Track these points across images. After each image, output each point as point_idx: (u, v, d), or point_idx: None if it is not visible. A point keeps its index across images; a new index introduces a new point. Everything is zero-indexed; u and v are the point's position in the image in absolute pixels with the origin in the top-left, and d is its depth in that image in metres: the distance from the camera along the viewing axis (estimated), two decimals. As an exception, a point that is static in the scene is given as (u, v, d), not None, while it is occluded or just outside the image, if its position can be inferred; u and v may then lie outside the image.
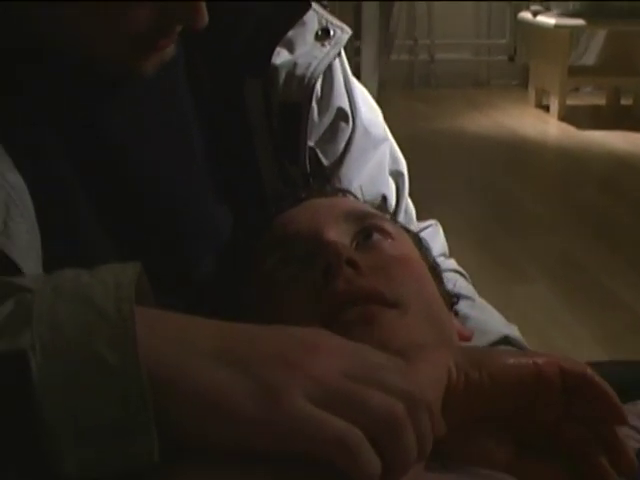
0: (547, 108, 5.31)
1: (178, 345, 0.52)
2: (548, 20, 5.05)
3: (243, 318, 0.59)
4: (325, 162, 0.93)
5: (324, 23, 0.91)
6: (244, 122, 0.89)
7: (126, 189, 0.80)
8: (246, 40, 0.88)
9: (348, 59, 0.97)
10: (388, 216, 0.91)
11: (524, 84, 5.88)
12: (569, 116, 5.08)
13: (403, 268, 0.77)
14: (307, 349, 0.54)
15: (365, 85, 1.02)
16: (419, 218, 1.07)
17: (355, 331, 0.68)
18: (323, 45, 0.90)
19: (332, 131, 0.93)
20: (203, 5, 0.71)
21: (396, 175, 1.02)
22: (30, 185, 0.71)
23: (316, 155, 0.92)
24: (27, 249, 0.68)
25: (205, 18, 0.72)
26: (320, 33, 0.91)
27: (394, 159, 1.02)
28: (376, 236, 0.79)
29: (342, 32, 0.92)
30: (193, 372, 0.51)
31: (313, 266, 0.74)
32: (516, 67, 6.28)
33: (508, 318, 0.95)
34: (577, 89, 5.78)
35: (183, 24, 0.73)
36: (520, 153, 4.51)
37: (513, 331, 0.92)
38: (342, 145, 0.94)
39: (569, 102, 5.18)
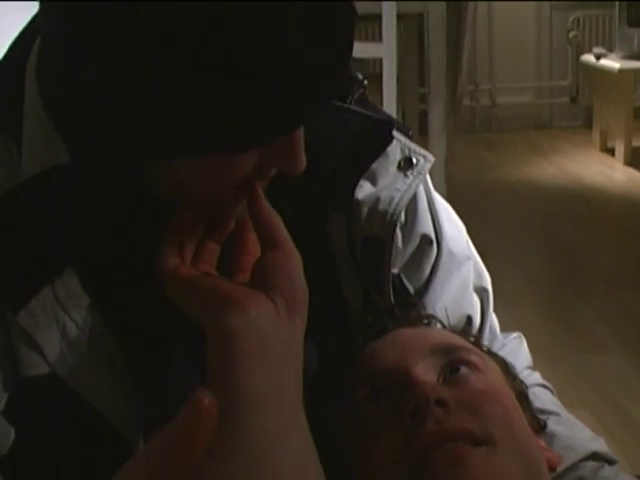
0: (612, 151, 5.23)
1: None
2: (612, 64, 4.99)
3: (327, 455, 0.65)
4: (410, 288, 0.92)
5: (407, 152, 0.90)
6: (328, 255, 0.89)
7: None
8: (329, 174, 0.88)
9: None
10: (473, 339, 0.91)
11: (587, 125, 5.81)
12: (635, 160, 5.00)
13: (491, 402, 0.77)
14: None
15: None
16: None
17: (444, 473, 0.70)
18: (406, 175, 0.89)
19: (417, 257, 0.93)
20: (302, 152, 0.71)
21: (480, 291, 1.01)
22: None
23: (401, 282, 0.92)
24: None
25: (303, 163, 0.72)
26: (403, 163, 0.89)
27: (478, 274, 1.01)
28: (463, 369, 0.80)
29: (425, 160, 0.90)
30: None
31: (401, 405, 0.75)
32: (579, 108, 6.21)
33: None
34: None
35: (282, 169, 0.73)
36: (586, 203, 4.44)
37: (600, 445, 0.91)
38: (427, 270, 0.93)
39: (634, 144, 5.09)
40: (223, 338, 0.66)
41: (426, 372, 0.78)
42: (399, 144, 0.90)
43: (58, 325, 0.73)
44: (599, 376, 2.42)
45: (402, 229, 0.91)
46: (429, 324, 0.90)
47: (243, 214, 0.76)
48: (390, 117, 0.95)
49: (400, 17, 2.49)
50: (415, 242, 0.92)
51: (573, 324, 2.88)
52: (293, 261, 0.72)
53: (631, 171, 4.91)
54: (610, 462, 0.90)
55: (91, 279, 0.75)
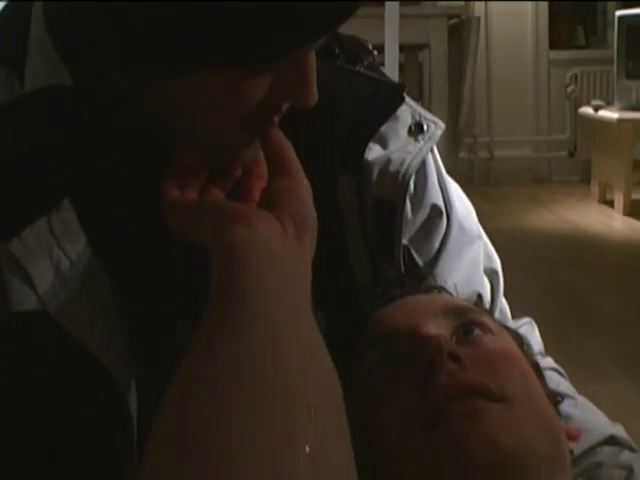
0: (611, 203, 5.23)
1: None
2: (611, 114, 5.02)
3: None
4: (419, 261, 0.89)
5: (417, 118, 0.89)
6: (337, 220, 0.86)
7: None
8: (339, 137, 0.86)
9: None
10: (485, 311, 0.88)
11: (586, 180, 5.83)
12: (635, 211, 4.99)
13: (507, 363, 0.74)
14: None
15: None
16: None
17: (461, 426, 0.66)
18: (416, 140, 0.88)
19: (426, 229, 0.90)
20: (314, 82, 0.69)
21: (490, 273, 0.99)
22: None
23: (410, 254, 0.89)
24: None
25: (315, 96, 0.69)
26: (413, 128, 0.88)
27: (488, 257, 0.99)
28: (477, 331, 0.76)
29: (436, 127, 0.89)
30: None
31: (414, 362, 0.71)
32: (577, 163, 6.24)
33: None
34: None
35: (293, 101, 0.70)
36: (586, 249, 4.42)
37: (618, 430, 0.88)
38: (437, 243, 0.91)
39: (633, 197, 5.10)
40: (230, 250, 0.62)
41: (438, 330, 0.75)
42: (409, 109, 0.89)
43: (52, 261, 0.69)
44: (607, 404, 2.37)
45: (411, 199, 0.89)
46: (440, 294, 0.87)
47: (250, 160, 0.73)
48: (401, 82, 0.95)
49: (401, 48, 2.48)
50: (425, 212, 0.90)
51: (578, 356, 2.85)
52: (303, 188, 0.70)
53: (630, 220, 4.91)
54: (630, 449, 0.86)
55: (89, 216, 0.72)
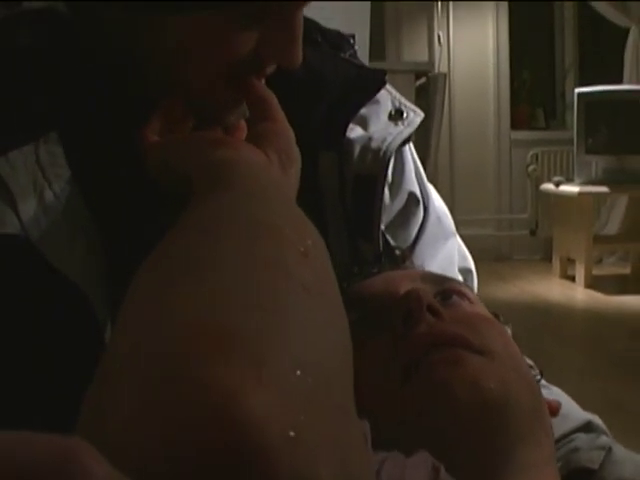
0: (573, 278, 5.28)
1: None
2: (571, 188, 5.12)
3: None
4: (397, 251, 0.90)
5: (397, 105, 0.91)
6: (317, 196, 0.86)
7: None
8: (321, 115, 0.88)
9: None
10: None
11: (547, 259, 5.88)
12: (595, 284, 5.05)
13: (487, 324, 0.72)
14: None
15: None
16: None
17: (441, 371, 0.64)
18: (397, 125, 0.90)
19: (404, 216, 0.91)
20: (300, 42, 0.71)
21: (465, 272, 0.99)
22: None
23: (387, 241, 0.89)
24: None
25: (300, 56, 0.71)
26: (394, 113, 0.90)
27: (462, 256, 1.00)
28: (455, 297, 0.75)
29: (415, 115, 0.91)
30: None
31: (393, 315, 0.69)
32: (538, 241, 6.31)
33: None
34: (600, 260, 5.78)
35: (279, 59, 0.72)
36: (549, 316, 4.47)
37: (595, 418, 0.86)
38: (414, 231, 0.92)
39: (594, 272, 5.16)
40: (213, 165, 0.61)
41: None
42: (390, 95, 0.92)
43: (36, 190, 0.70)
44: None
45: (389, 187, 0.90)
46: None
47: (232, 125, 0.74)
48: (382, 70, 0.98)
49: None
50: (402, 198, 0.92)
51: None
52: (288, 130, 0.70)
53: (591, 292, 4.96)
54: (605, 435, 0.85)
55: (74, 153, 0.72)
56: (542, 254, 6.18)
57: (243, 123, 0.74)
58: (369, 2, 2.57)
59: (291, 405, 0.37)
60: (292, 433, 0.36)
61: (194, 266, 0.46)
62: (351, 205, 0.87)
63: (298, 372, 0.39)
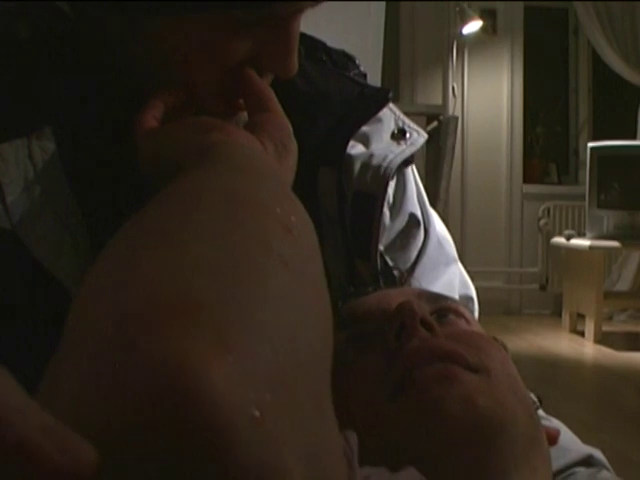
0: (582, 333, 5.22)
1: None
2: (583, 242, 5.08)
3: None
4: (395, 272, 0.88)
5: (400, 124, 0.91)
6: (315, 212, 0.84)
7: None
8: (323, 131, 0.87)
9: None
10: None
11: (557, 314, 5.84)
12: (605, 340, 4.99)
13: (484, 341, 0.69)
14: None
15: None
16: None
17: (434, 387, 0.61)
18: (399, 144, 0.89)
19: (404, 238, 0.90)
20: (295, 51, 0.71)
21: (466, 300, 0.96)
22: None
23: (386, 262, 0.88)
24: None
25: (295, 66, 0.72)
26: (396, 132, 0.90)
27: (463, 283, 0.98)
28: (452, 316, 0.72)
29: (419, 135, 0.91)
30: None
31: (386, 331, 0.67)
32: (548, 296, 6.26)
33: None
34: (611, 317, 5.73)
35: (274, 69, 0.73)
36: (557, 370, 4.41)
37: (597, 452, 0.83)
38: (414, 254, 0.90)
39: (604, 328, 5.10)
40: (206, 147, 0.60)
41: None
42: (393, 115, 0.91)
43: (26, 183, 0.69)
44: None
45: (390, 209, 0.90)
46: None
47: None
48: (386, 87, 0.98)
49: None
50: (403, 220, 0.90)
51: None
52: (285, 121, 0.70)
53: (601, 348, 4.90)
54: (606, 469, 0.82)
55: (68, 150, 0.72)
56: (552, 309, 6.14)
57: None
58: (381, 49, 2.58)
59: (256, 381, 0.34)
60: (257, 413, 0.32)
61: (166, 233, 0.44)
62: (349, 222, 0.86)
63: (266, 346, 0.36)
